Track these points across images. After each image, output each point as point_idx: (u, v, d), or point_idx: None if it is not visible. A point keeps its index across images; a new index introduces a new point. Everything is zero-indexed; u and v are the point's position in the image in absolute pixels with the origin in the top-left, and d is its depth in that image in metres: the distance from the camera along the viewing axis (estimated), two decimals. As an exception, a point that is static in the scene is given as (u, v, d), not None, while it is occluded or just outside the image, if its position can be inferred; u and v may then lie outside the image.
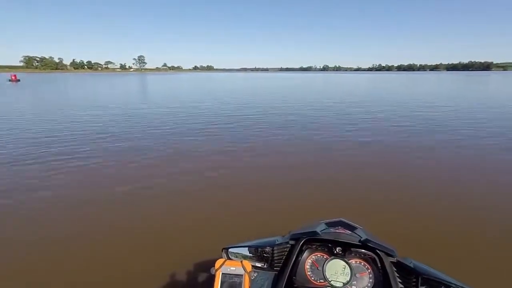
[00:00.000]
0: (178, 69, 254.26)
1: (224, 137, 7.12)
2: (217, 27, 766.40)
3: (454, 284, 0.88)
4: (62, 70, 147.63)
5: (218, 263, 0.80)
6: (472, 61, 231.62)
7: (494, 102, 14.61)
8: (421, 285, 0.90)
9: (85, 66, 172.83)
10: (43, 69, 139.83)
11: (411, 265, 0.94)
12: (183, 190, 3.97)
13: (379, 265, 0.95)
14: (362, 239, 0.96)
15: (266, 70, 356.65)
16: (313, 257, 1.03)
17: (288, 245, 1.06)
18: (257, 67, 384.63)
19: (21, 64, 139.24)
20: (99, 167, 4.86)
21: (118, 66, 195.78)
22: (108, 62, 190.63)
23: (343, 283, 0.95)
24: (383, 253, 0.95)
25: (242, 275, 0.78)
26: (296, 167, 4.87)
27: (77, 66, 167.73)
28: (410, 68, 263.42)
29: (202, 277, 2.24)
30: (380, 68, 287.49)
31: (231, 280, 0.78)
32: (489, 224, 3.03)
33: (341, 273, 0.97)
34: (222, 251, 1.11)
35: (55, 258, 2.54)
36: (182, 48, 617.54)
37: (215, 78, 62.63)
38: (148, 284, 2.20)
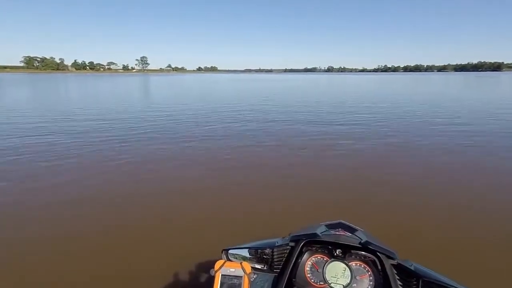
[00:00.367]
0: (182, 70, 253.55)
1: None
2: (220, 27, 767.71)
3: (455, 287, 0.87)
4: (63, 71, 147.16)
5: (217, 264, 0.82)
6: (482, 61, 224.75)
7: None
8: None
9: (87, 67, 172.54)
10: (44, 69, 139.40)
11: (412, 268, 0.93)
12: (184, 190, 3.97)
13: (380, 267, 0.95)
14: (362, 241, 0.96)
15: (270, 71, 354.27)
16: (313, 259, 1.03)
17: (288, 247, 1.06)
18: (261, 68, 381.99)
19: (22, 64, 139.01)
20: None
21: (121, 67, 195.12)
22: (110, 63, 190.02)
23: (343, 285, 0.95)
24: (383, 256, 0.95)
25: (241, 276, 0.79)
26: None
27: (78, 66, 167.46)
28: (417, 69, 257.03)
29: (201, 278, 2.24)
30: (385, 69, 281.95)
31: (230, 282, 0.79)
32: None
33: (341, 276, 0.96)
34: (222, 252, 1.12)
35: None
36: (186, 49, 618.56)
37: (220, 80, 62.08)
38: (147, 285, 2.22)
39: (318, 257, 1.01)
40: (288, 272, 0.98)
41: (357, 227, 1.08)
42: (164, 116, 10.53)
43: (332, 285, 0.95)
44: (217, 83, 45.79)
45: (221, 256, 1.09)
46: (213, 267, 0.80)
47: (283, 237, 1.12)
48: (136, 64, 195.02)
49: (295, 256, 1.00)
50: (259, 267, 1.07)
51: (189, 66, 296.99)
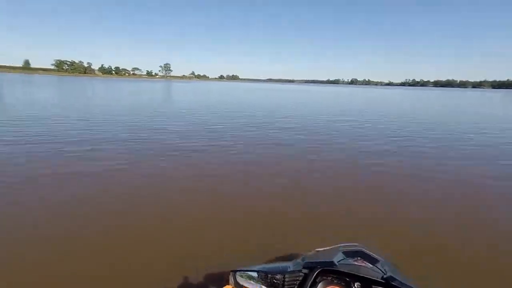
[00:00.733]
0: (204, 77, 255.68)
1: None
2: (241, 35, 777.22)
3: None
4: (90, 75, 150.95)
5: None
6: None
7: None
8: None
9: (113, 72, 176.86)
10: (72, 72, 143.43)
11: None
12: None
13: None
14: (385, 276, 0.87)
15: (292, 81, 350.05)
16: None
17: (301, 274, 0.98)
18: (282, 78, 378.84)
19: (53, 67, 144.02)
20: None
21: (145, 72, 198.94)
22: (135, 69, 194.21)
23: None
24: None
25: None
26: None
27: (105, 71, 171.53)
28: (449, 84, 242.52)
29: (202, 277, 2.22)
30: (414, 83, 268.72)
31: None
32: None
33: None
34: (230, 274, 1.07)
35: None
36: (208, 57, 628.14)
37: (252, 89, 62.92)
38: (147, 285, 2.21)
39: None
40: None
41: (378, 257, 1.00)
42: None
43: None
44: (252, 92, 43.72)
45: (229, 279, 1.04)
46: None
47: (295, 260, 1.05)
48: (159, 71, 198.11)
49: (309, 285, 0.91)
50: None
51: (211, 74, 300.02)
